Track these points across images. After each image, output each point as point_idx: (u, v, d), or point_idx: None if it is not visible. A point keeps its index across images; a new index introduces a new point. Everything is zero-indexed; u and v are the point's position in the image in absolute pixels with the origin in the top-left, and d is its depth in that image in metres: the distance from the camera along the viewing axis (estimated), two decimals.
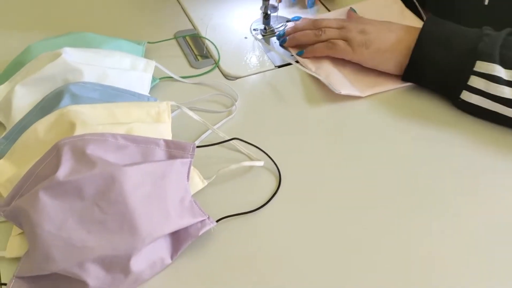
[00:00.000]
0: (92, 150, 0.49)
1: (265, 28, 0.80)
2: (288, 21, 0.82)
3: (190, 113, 0.62)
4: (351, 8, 0.81)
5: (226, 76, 0.73)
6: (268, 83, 0.72)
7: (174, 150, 0.54)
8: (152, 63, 0.68)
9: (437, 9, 0.85)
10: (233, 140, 0.61)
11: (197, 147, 0.55)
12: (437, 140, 0.65)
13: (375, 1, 0.84)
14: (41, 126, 0.55)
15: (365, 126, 0.66)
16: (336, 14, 0.82)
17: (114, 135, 0.52)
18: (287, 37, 0.77)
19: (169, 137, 0.58)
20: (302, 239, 0.54)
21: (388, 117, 0.67)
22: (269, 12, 0.78)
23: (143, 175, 0.49)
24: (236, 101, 0.69)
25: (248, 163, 0.59)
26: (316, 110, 0.68)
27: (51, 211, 0.46)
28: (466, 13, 0.84)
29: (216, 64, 0.75)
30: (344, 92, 0.68)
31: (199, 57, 0.76)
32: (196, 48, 0.78)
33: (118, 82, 0.63)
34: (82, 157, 0.48)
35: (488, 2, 0.81)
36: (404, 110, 0.68)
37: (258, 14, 0.83)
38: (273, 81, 0.73)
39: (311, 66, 0.73)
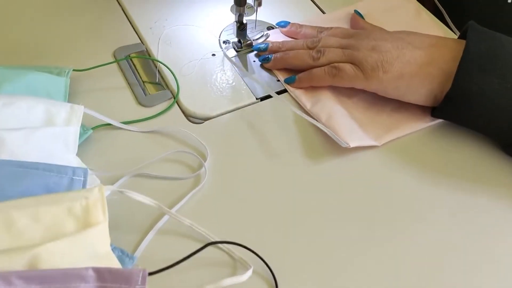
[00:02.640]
0: None
1: (239, 41, 0.58)
2: (270, 28, 0.61)
3: (139, 196, 0.41)
4: (355, 11, 0.60)
5: (189, 117, 0.52)
6: (249, 125, 0.51)
7: (112, 285, 0.33)
8: (79, 110, 0.46)
9: (452, 7, 0.65)
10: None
11: (151, 274, 0.35)
12: (486, 204, 0.46)
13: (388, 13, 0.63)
14: None
15: (385, 189, 0.47)
16: (333, 17, 0.62)
17: (6, 277, 0.31)
18: (271, 56, 0.56)
19: (105, 248, 0.37)
20: None
21: (416, 171, 0.48)
22: (245, 21, 0.56)
23: None
24: (205, 160, 0.48)
25: (230, 281, 0.39)
26: (317, 167, 0.48)
27: None
28: (486, 12, 0.65)
29: (175, 99, 0.53)
30: (353, 144, 0.48)
31: (149, 87, 0.54)
32: (146, 72, 0.56)
33: (24, 151, 0.41)
34: None
35: None
36: (435, 159, 0.49)
37: (229, 19, 0.61)
38: (256, 121, 0.52)
39: (305, 101, 0.52)
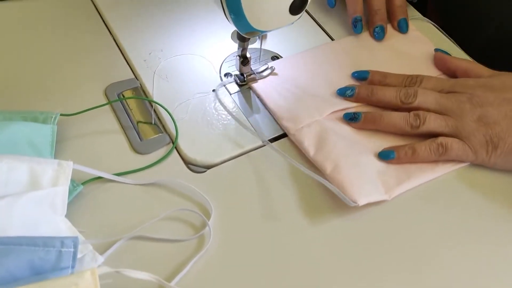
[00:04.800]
0: None
1: (242, 74, 0.53)
2: (274, 57, 0.56)
3: (137, 274, 0.36)
4: (438, 49, 0.55)
5: (190, 165, 0.48)
6: (256, 174, 0.47)
7: None
8: (68, 167, 0.41)
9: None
10: None
11: None
12: None
13: (399, 40, 0.58)
14: None
15: (403, 247, 0.43)
16: (343, 44, 0.57)
17: None
18: (360, 116, 0.49)
19: None
20: None
21: (437, 225, 0.44)
22: (249, 55, 0.51)
23: None
24: (209, 218, 0.43)
25: None
26: (330, 223, 0.44)
27: None
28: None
29: (173, 144, 0.48)
30: (363, 202, 0.43)
31: (144, 129, 0.49)
32: (140, 112, 0.51)
33: (6, 223, 0.37)
34: None
35: None
36: (457, 210, 0.45)
37: (230, 49, 0.56)
38: (263, 169, 0.47)
39: (308, 146, 0.47)
